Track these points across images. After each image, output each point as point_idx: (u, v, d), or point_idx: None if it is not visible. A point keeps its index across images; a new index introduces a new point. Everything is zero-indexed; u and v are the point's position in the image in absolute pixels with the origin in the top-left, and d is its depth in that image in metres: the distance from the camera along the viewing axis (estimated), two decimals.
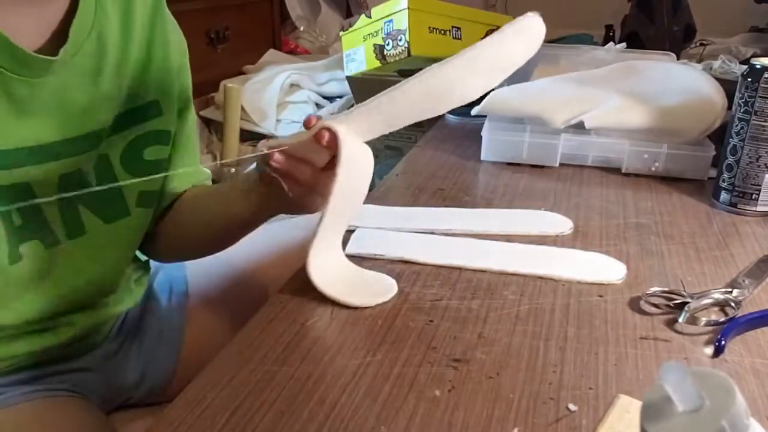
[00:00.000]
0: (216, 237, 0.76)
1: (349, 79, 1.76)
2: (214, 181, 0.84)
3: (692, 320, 0.58)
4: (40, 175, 0.61)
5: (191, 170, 0.77)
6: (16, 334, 0.66)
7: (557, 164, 0.98)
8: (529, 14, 0.59)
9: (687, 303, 0.59)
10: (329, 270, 0.63)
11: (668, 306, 0.60)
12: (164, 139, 0.72)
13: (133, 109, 0.67)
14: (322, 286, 0.61)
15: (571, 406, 0.48)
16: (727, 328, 0.56)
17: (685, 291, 0.62)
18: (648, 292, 0.62)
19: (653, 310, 0.60)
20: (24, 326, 0.66)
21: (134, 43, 0.66)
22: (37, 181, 0.61)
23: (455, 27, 1.58)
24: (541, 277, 0.66)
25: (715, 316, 0.60)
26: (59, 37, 0.59)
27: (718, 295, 0.61)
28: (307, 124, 0.59)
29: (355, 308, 0.60)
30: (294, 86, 2.06)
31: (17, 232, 0.62)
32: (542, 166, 0.98)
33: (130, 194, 0.70)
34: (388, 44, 1.61)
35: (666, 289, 0.62)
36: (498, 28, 0.57)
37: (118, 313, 0.76)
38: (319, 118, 0.60)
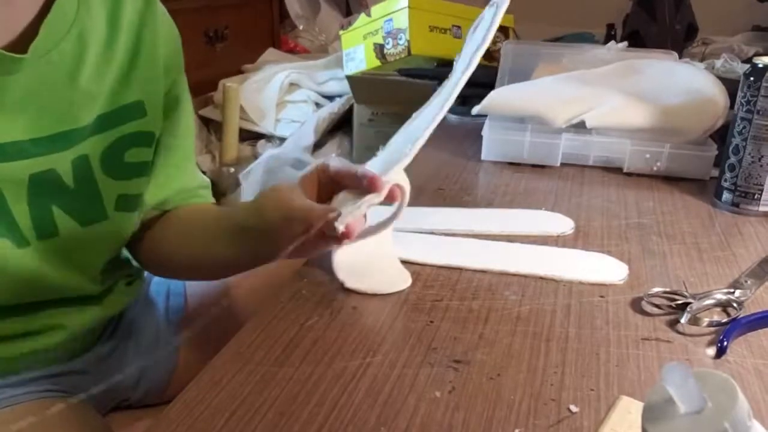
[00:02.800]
0: (197, 268, 0.74)
1: (348, 78, 1.76)
2: (213, 183, 0.82)
3: (694, 321, 0.58)
4: (8, 173, 0.59)
5: (175, 176, 0.75)
6: (2, 337, 0.65)
7: (558, 164, 0.98)
8: None
9: (689, 304, 0.59)
10: (350, 253, 0.63)
11: (670, 307, 0.60)
12: (146, 141, 0.69)
13: (115, 110, 0.66)
14: (337, 269, 0.62)
15: (573, 408, 0.48)
16: (730, 329, 0.56)
17: (687, 291, 0.61)
18: (650, 292, 0.62)
19: (655, 310, 0.60)
20: (5, 328, 0.65)
21: (120, 43, 0.65)
22: (4, 179, 0.59)
23: (455, 26, 1.58)
24: (542, 278, 0.65)
25: (718, 316, 0.59)
26: (34, 34, 0.58)
27: (720, 296, 0.61)
28: (374, 188, 0.57)
29: (361, 299, 0.61)
30: (293, 85, 2.05)
31: None
32: (543, 166, 0.98)
33: (109, 197, 0.67)
34: (388, 43, 1.60)
35: (668, 289, 0.62)
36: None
37: (109, 315, 0.75)
38: (374, 176, 0.58)
